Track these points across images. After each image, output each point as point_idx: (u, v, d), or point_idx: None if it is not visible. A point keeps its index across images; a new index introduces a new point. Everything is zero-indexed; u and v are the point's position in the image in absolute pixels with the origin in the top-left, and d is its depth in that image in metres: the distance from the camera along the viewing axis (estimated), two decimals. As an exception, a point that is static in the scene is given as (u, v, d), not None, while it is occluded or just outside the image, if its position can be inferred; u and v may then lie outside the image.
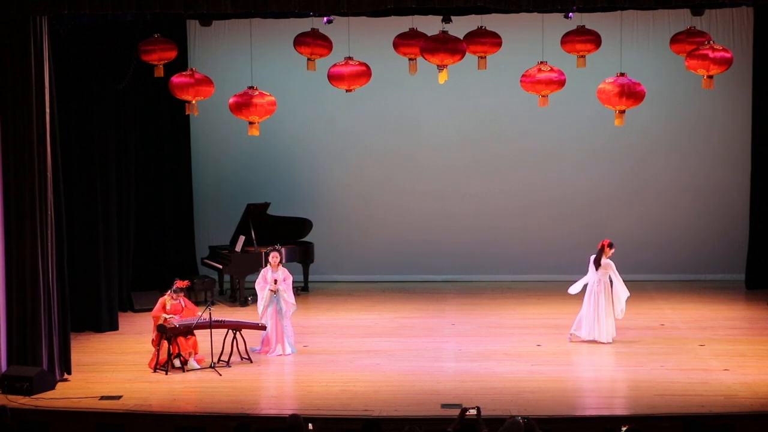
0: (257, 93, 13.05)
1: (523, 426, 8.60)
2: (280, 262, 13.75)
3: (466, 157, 18.01)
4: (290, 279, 13.68)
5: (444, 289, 17.65)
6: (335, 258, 18.09)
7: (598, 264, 13.87)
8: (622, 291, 13.88)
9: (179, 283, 13.23)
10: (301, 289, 17.16)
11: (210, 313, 13.06)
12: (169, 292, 13.21)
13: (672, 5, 12.93)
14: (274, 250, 13.83)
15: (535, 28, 14.20)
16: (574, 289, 14.15)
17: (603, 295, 13.84)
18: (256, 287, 13.68)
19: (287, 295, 13.56)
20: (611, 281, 13.89)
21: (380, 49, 14.76)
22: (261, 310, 13.57)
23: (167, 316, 12.98)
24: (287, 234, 17.19)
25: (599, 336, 13.84)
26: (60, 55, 13.26)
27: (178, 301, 13.20)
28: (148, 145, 16.98)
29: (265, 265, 14.10)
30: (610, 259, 13.90)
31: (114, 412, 11.39)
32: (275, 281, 13.47)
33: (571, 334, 14.02)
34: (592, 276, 13.93)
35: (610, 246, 13.89)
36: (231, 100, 13.12)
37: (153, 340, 13.09)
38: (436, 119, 17.99)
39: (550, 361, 13.21)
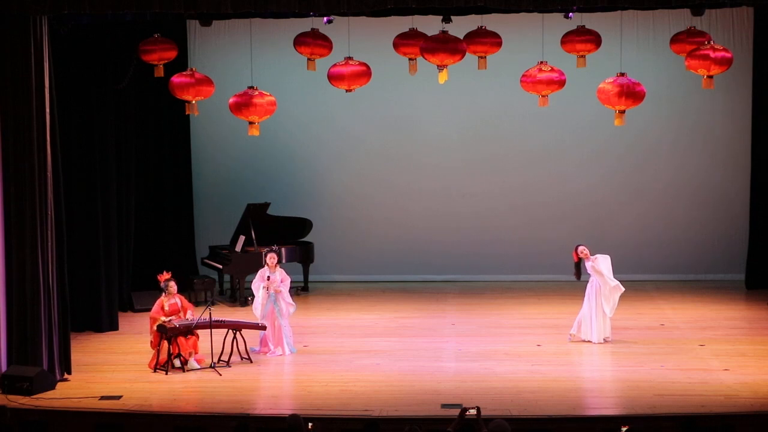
0: (257, 93, 13.06)
1: (509, 427, 8.60)
2: (278, 262, 13.75)
3: (466, 157, 18.02)
4: (288, 280, 13.66)
5: (444, 289, 17.65)
6: (335, 258, 18.09)
7: (579, 275, 13.88)
8: (608, 291, 13.85)
9: (161, 277, 13.20)
10: (301, 289, 17.16)
11: (210, 313, 13.06)
12: (163, 294, 13.20)
13: (672, 5, 12.92)
14: (272, 251, 13.81)
15: (535, 28, 14.21)
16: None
17: (595, 296, 13.84)
18: (253, 287, 13.64)
19: (285, 295, 13.57)
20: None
21: (380, 49, 14.77)
22: (259, 310, 13.53)
23: (165, 319, 12.97)
24: (287, 234, 17.19)
25: (591, 336, 13.85)
26: (60, 55, 13.27)
27: (174, 301, 13.19)
28: (148, 145, 16.97)
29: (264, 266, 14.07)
30: (599, 255, 13.88)
31: (114, 412, 11.38)
32: (268, 278, 13.44)
33: (570, 335, 14.02)
34: (590, 278, 13.96)
35: (576, 249, 13.89)
36: (231, 100, 13.12)
37: (151, 342, 13.07)
38: (436, 119, 17.99)
39: (550, 361, 13.20)
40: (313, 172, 18.20)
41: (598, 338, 13.82)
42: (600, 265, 13.79)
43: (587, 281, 14.01)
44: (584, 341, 13.90)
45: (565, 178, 17.99)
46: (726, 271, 17.75)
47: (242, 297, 16.56)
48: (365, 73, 13.78)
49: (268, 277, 13.49)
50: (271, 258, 13.61)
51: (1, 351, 12.33)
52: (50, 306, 12.41)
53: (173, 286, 13.23)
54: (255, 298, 13.63)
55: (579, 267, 13.94)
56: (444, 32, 13.29)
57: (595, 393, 12.24)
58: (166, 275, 13.27)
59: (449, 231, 18.10)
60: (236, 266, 16.67)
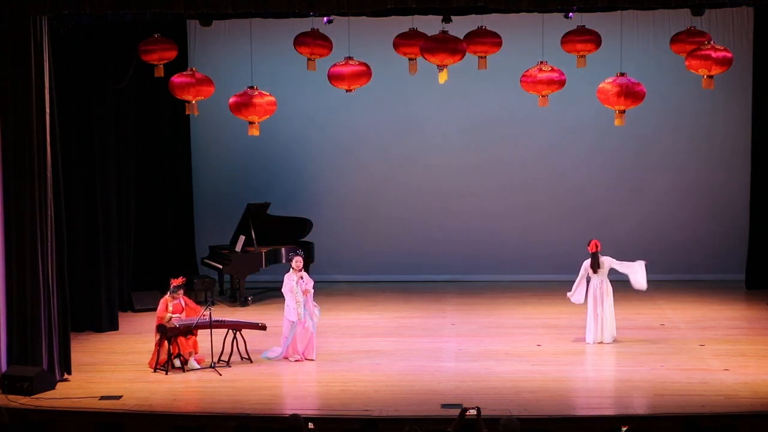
0: (257, 93, 13.05)
1: (519, 424, 8.63)
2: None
3: (466, 157, 18.03)
4: (312, 283, 13.45)
5: (444, 289, 17.65)
6: (335, 258, 18.09)
7: (597, 266, 13.85)
8: (633, 269, 13.89)
9: (174, 282, 13.19)
10: (302, 289, 17.16)
11: (210, 313, 13.06)
12: (168, 293, 13.20)
13: (672, 5, 12.91)
14: (297, 254, 13.56)
15: (535, 28, 14.20)
16: (579, 298, 14.07)
17: (607, 296, 13.83)
18: (284, 291, 13.33)
19: (311, 297, 13.44)
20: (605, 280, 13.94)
21: (380, 49, 14.77)
22: (293, 315, 13.22)
23: (173, 316, 12.97)
24: (287, 234, 17.18)
25: (604, 337, 13.84)
26: (60, 55, 13.26)
27: (178, 300, 13.19)
28: (148, 145, 16.97)
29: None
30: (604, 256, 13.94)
31: (114, 412, 11.38)
32: (301, 277, 13.26)
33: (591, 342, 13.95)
34: (592, 279, 13.90)
35: (598, 247, 13.94)
36: (231, 100, 13.12)
37: (157, 341, 13.04)
38: (436, 119, 18.00)
39: (550, 361, 13.21)
40: (313, 172, 18.21)
41: (609, 338, 13.83)
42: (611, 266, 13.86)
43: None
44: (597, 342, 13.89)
45: (565, 177, 18.00)
46: (726, 271, 17.75)
47: (242, 297, 16.56)
48: (365, 73, 13.78)
49: (301, 277, 13.32)
50: (297, 262, 13.36)
51: (1, 351, 12.33)
52: (50, 306, 12.41)
53: (181, 293, 13.22)
54: (287, 303, 13.32)
55: (596, 259, 13.87)
56: (444, 32, 13.29)
57: (595, 393, 12.23)
58: (180, 280, 13.24)
59: (449, 231, 18.11)
60: (236, 266, 16.66)
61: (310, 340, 13.33)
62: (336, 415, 11.13)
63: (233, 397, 11.88)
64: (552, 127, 17.72)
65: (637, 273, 13.95)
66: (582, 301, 14.02)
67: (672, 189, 17.91)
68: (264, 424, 10.68)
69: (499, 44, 14.03)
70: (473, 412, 8.91)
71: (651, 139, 17.81)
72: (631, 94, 12.62)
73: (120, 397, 11.88)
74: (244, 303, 16.49)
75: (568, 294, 14.06)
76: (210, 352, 13.06)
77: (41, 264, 12.29)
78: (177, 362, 12.91)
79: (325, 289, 17.50)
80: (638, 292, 14.10)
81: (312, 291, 13.38)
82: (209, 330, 13.07)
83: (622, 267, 13.98)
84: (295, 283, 13.25)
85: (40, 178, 12.29)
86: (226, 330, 13.31)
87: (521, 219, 18.10)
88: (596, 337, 13.84)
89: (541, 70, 13.41)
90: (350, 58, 13.77)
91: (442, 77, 13.35)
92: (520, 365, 13.00)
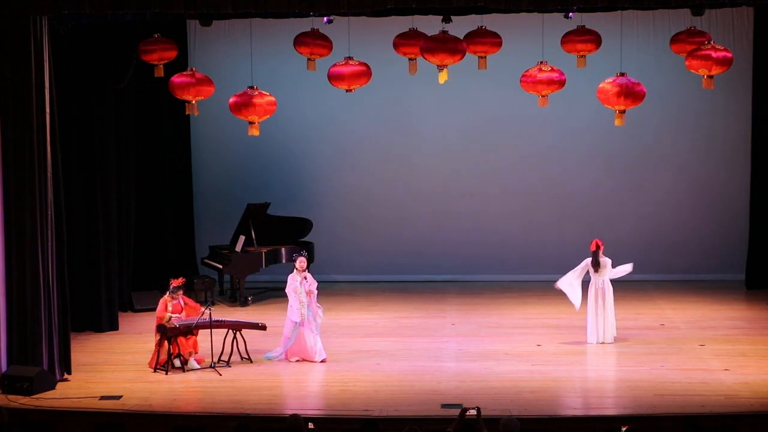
0: (257, 93, 13.06)
1: (519, 424, 8.63)
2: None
3: (466, 157, 18.03)
4: (315, 284, 13.41)
5: (444, 289, 17.65)
6: (335, 258, 18.09)
7: (597, 265, 13.85)
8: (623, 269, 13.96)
9: (174, 282, 13.19)
10: (302, 289, 17.14)
11: (210, 313, 13.06)
12: (168, 293, 13.19)
13: (672, 5, 12.92)
14: (301, 255, 13.51)
15: (535, 28, 14.19)
16: (577, 303, 14.09)
17: (608, 296, 13.83)
18: (288, 291, 13.29)
19: (314, 298, 13.40)
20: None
21: (380, 49, 14.77)
22: (297, 316, 13.18)
23: (173, 315, 12.97)
24: (287, 234, 17.18)
25: (606, 337, 13.84)
26: (60, 55, 13.26)
27: (177, 300, 13.19)
28: (148, 145, 16.96)
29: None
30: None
31: (114, 412, 11.39)
32: (305, 278, 13.19)
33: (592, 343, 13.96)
34: (593, 279, 13.90)
35: (600, 245, 13.95)
36: (231, 100, 13.12)
37: (157, 341, 13.04)
38: (436, 119, 18.00)
39: (550, 361, 13.20)
40: (313, 172, 18.21)
41: (610, 338, 13.85)
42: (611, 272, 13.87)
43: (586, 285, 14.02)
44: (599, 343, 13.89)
45: (565, 177, 18.00)
46: (726, 271, 17.75)
47: (242, 297, 16.56)
48: (365, 73, 13.78)
49: (305, 278, 13.29)
50: (300, 262, 13.32)
51: (1, 351, 12.33)
52: (50, 306, 12.41)
53: (180, 293, 13.21)
54: (290, 304, 13.27)
55: (597, 258, 13.87)
56: (444, 32, 13.29)
57: (595, 393, 12.23)
58: (179, 281, 13.23)
59: (449, 231, 18.11)
60: (236, 266, 16.66)
61: (315, 341, 13.31)
62: (336, 415, 11.14)
63: (233, 397, 11.88)
64: (552, 127, 17.72)
65: (624, 270, 13.98)
66: (563, 285, 14.01)
67: (672, 189, 17.92)
68: (264, 424, 10.68)
69: (499, 44, 14.03)
70: (473, 412, 8.91)
71: (651, 139, 17.81)
72: (631, 94, 12.63)
73: (120, 397, 11.88)
74: (244, 303, 16.49)
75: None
76: (210, 352, 13.06)
77: (41, 264, 12.29)
78: (177, 362, 12.91)
79: (325, 289, 17.36)
80: (637, 292, 14.12)
81: (316, 292, 13.36)
82: (209, 330, 13.07)
83: (616, 272, 13.96)
84: (299, 283, 13.23)
85: (40, 178, 12.29)
86: (226, 330, 13.31)
87: (521, 219, 18.09)
88: (598, 337, 13.84)
89: (541, 70, 13.41)
90: (350, 58, 13.77)
91: (442, 77, 13.35)
92: (520, 365, 13.00)
